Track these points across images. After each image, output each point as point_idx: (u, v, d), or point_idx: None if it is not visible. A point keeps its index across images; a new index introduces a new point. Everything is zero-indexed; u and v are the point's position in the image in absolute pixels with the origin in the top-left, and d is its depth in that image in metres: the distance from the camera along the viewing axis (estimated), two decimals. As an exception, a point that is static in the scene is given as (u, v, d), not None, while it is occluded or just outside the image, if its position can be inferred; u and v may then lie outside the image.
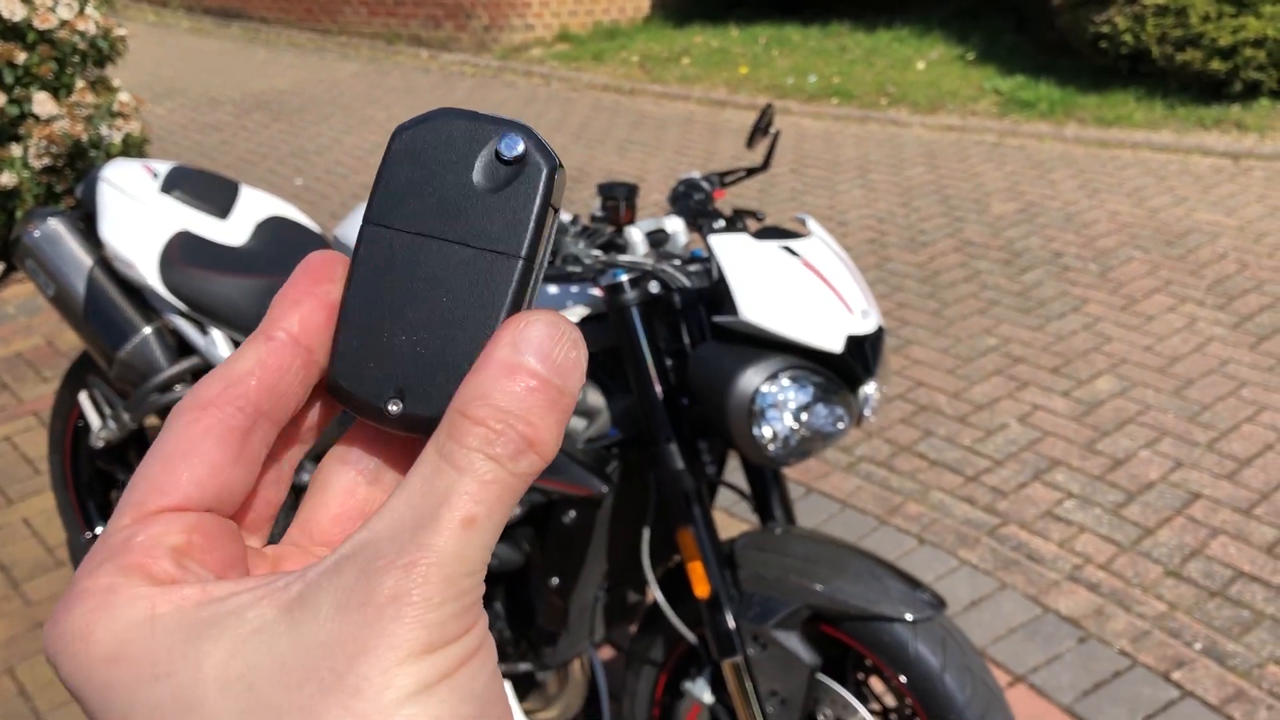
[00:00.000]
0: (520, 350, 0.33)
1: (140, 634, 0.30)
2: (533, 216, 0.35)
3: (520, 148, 0.35)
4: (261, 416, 0.35)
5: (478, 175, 0.35)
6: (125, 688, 0.30)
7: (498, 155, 0.35)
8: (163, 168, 2.48)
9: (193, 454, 0.34)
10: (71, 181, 4.76)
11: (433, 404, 0.35)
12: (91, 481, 2.82)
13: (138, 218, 2.35)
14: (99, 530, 2.83)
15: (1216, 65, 6.33)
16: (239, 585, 0.31)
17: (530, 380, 0.33)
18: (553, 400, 0.33)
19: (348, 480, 0.38)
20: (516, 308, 0.35)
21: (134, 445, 2.63)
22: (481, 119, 0.36)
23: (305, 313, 0.36)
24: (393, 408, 0.36)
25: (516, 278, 0.35)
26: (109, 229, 2.34)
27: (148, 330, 2.34)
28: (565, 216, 1.76)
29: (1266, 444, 3.30)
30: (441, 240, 0.35)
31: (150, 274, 2.28)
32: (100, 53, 4.97)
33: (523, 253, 0.35)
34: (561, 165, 0.36)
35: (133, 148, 4.95)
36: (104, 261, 2.39)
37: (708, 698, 1.85)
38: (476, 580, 0.31)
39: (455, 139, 0.36)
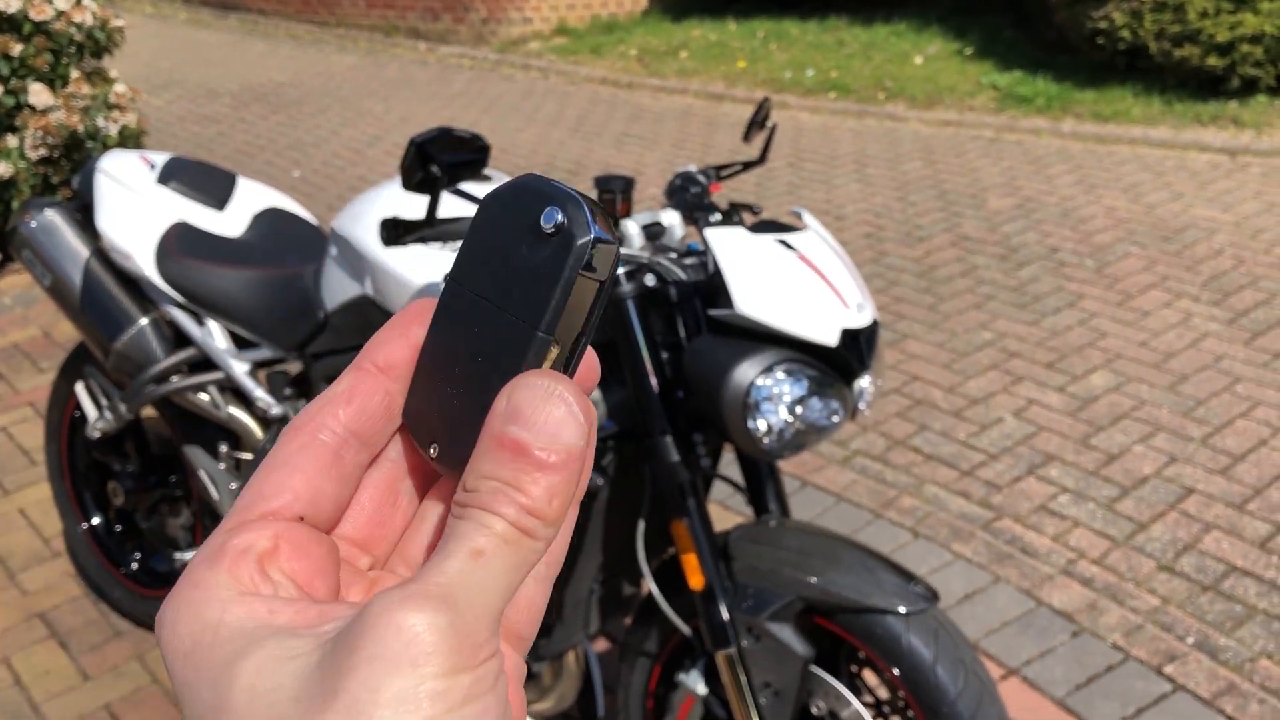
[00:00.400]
0: (506, 422, 0.34)
1: (208, 637, 0.33)
2: (555, 291, 0.36)
3: (558, 219, 0.36)
4: (351, 436, 0.38)
5: (527, 245, 0.36)
6: (190, 685, 0.33)
7: (541, 227, 0.36)
8: (160, 159, 2.48)
9: (289, 465, 0.37)
10: (68, 173, 4.76)
11: (455, 459, 0.37)
12: (88, 472, 2.82)
13: (135, 209, 2.35)
14: (95, 521, 2.84)
15: (1214, 61, 6.34)
16: (302, 612, 0.34)
17: (512, 448, 0.34)
18: (540, 463, 0.34)
19: (441, 513, 0.40)
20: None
21: (130, 436, 2.63)
22: (551, 189, 0.37)
23: (391, 349, 0.39)
24: (432, 452, 0.38)
25: (531, 350, 0.36)
26: (106, 220, 2.34)
27: (144, 321, 2.34)
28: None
29: (1260, 439, 3.31)
30: (491, 304, 0.37)
31: (147, 265, 2.29)
32: (97, 44, 4.96)
33: (540, 326, 0.36)
34: (610, 239, 0.36)
35: (129, 139, 4.95)
36: (100, 252, 2.39)
37: (701, 689, 1.86)
38: (483, 615, 0.32)
39: (525, 206, 0.37)
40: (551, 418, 0.34)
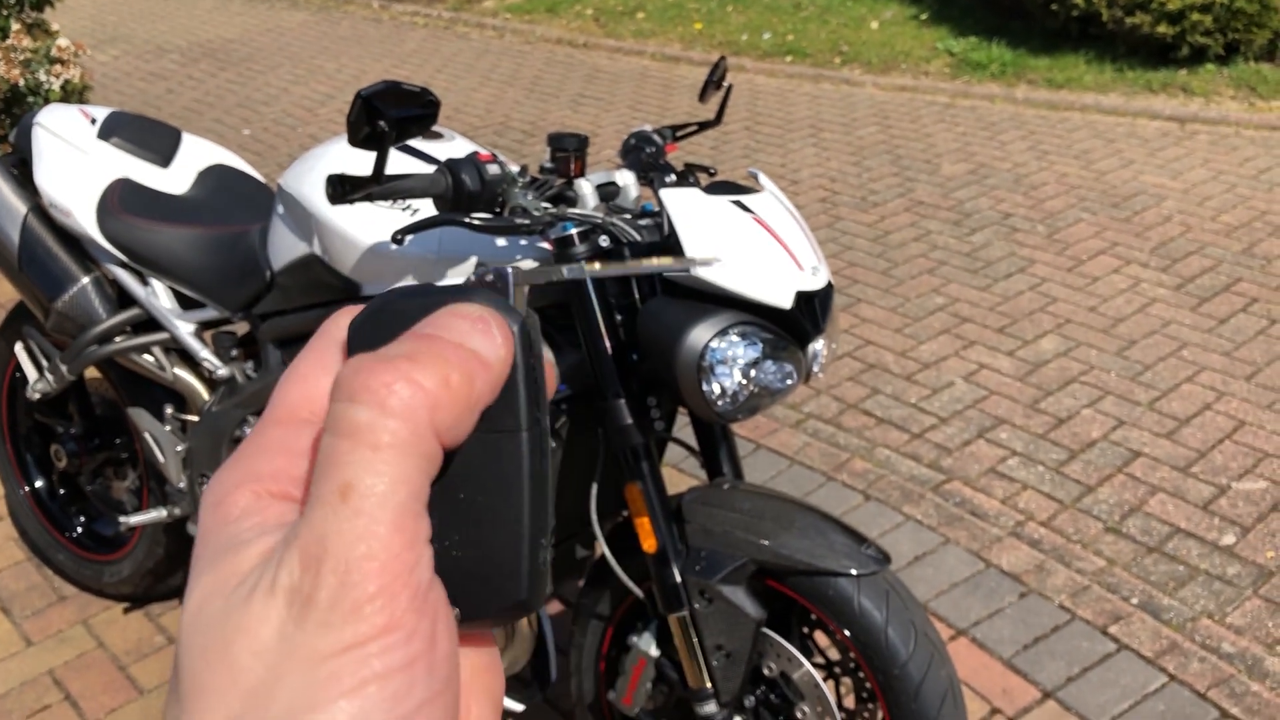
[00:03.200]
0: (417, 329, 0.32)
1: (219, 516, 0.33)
2: (519, 386, 0.33)
3: None
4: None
5: None
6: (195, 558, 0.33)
7: None
8: (101, 113, 2.42)
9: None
10: (7, 128, 4.63)
11: (494, 610, 0.34)
12: (29, 435, 2.77)
13: (75, 164, 2.29)
14: (38, 484, 2.78)
15: (1164, 29, 6.38)
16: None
17: (413, 336, 0.32)
18: (436, 346, 0.31)
19: None
20: (538, 480, 0.34)
21: (73, 397, 2.58)
22: (429, 295, 0.34)
23: (296, 392, 0.35)
24: (456, 615, 0.33)
25: (527, 451, 0.33)
26: (45, 175, 2.28)
27: (86, 280, 2.29)
28: (514, 167, 1.74)
29: (1205, 403, 3.36)
30: None
31: (88, 222, 2.23)
32: (37, -5, 4.82)
33: (523, 426, 0.33)
34: (531, 313, 0.34)
35: (73, 95, 4.83)
36: (39, 209, 2.33)
37: (654, 651, 1.86)
38: (374, 564, 0.29)
39: (409, 323, 0.33)
40: (467, 329, 0.32)
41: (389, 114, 1.46)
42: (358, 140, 1.49)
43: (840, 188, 5.16)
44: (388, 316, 0.34)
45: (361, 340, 0.34)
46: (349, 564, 0.29)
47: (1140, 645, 2.47)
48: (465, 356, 0.31)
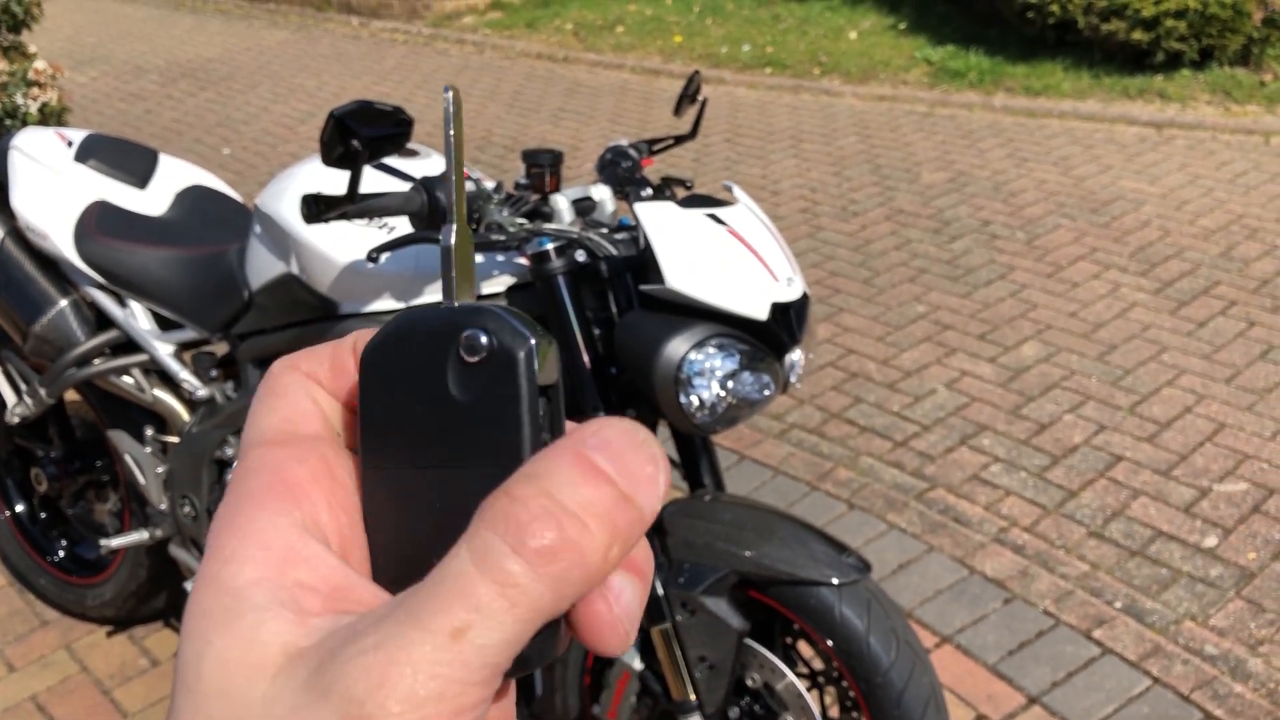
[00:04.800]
0: (591, 447, 0.29)
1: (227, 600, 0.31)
2: (523, 416, 0.31)
3: (483, 342, 0.31)
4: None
5: (453, 387, 0.31)
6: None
7: (462, 359, 0.31)
8: (77, 136, 2.42)
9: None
10: (-14, 151, 4.61)
11: None
12: (10, 459, 2.75)
13: (51, 187, 2.28)
14: (19, 508, 2.77)
15: (1139, 36, 6.43)
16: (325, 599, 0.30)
17: (595, 476, 0.28)
18: (614, 509, 0.28)
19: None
20: None
21: (53, 421, 2.57)
22: (440, 318, 0.32)
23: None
24: None
25: None
26: (20, 199, 2.27)
27: (64, 303, 2.28)
28: (489, 184, 1.74)
29: (1185, 407, 3.38)
30: (439, 469, 0.32)
31: (65, 245, 2.23)
32: (14, 18, 4.82)
33: (524, 457, 0.31)
34: (542, 335, 0.32)
35: (51, 117, 4.82)
36: (16, 232, 2.33)
37: (637, 665, 1.86)
38: (453, 704, 0.27)
39: (420, 348, 0.32)
40: (643, 473, 0.29)
41: (362, 133, 1.46)
42: (331, 160, 1.49)
43: (821, 198, 5.18)
44: (406, 344, 0.33)
45: (377, 370, 0.33)
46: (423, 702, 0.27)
47: (1124, 649, 2.48)
48: (633, 521, 0.29)
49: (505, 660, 0.28)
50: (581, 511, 0.28)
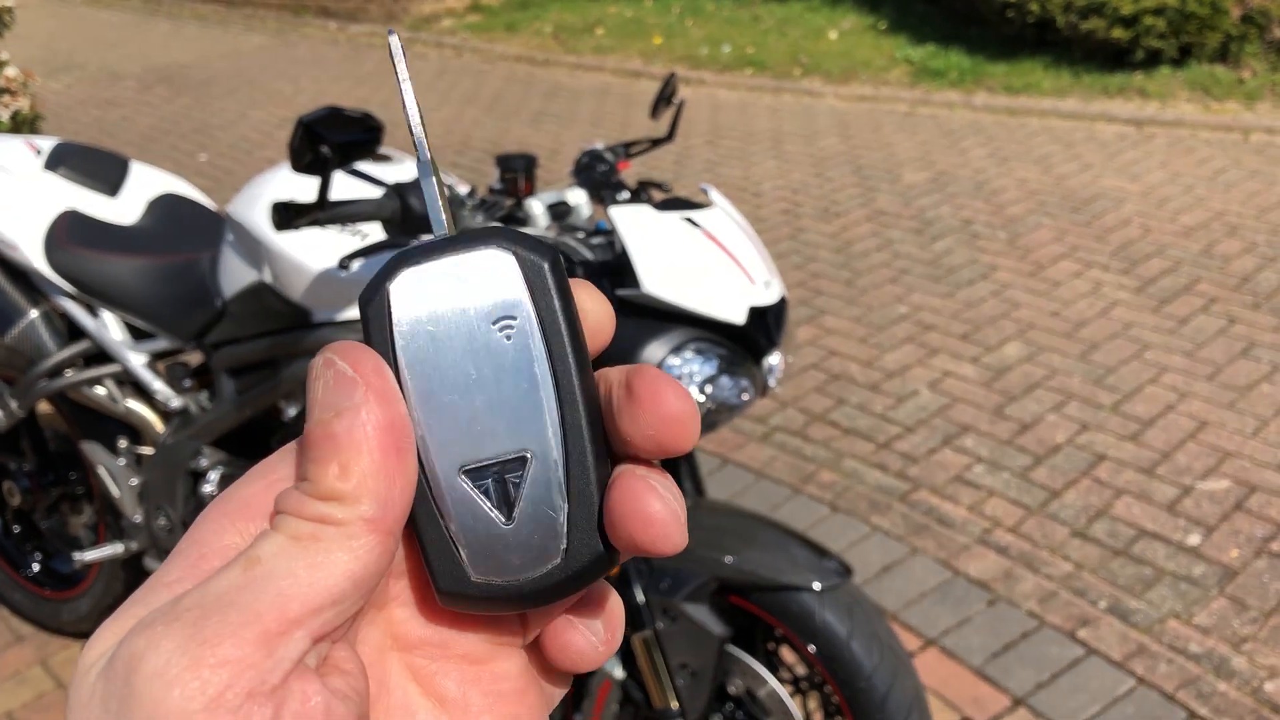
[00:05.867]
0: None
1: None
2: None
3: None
4: None
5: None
6: None
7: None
8: (46, 144, 2.39)
9: None
10: (-41, 160, 4.57)
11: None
12: (-18, 472, 2.71)
13: (20, 196, 2.25)
14: (-8, 522, 2.73)
15: (1119, 33, 6.45)
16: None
17: (303, 441, 0.32)
18: (319, 440, 0.31)
19: None
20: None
21: (25, 433, 2.53)
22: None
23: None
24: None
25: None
26: (-11, 209, 2.24)
27: (34, 314, 2.25)
28: (463, 189, 1.72)
29: (1168, 405, 3.38)
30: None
31: (35, 255, 2.20)
32: (-14, 25, 4.77)
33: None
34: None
35: (23, 125, 4.77)
36: (-16, 243, 2.29)
37: (618, 673, 1.84)
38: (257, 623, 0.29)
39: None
40: (327, 387, 0.31)
41: (331, 139, 1.44)
42: (301, 166, 1.47)
43: (802, 199, 5.17)
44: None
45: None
46: None
47: (1109, 649, 2.47)
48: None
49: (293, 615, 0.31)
50: (303, 473, 0.31)
